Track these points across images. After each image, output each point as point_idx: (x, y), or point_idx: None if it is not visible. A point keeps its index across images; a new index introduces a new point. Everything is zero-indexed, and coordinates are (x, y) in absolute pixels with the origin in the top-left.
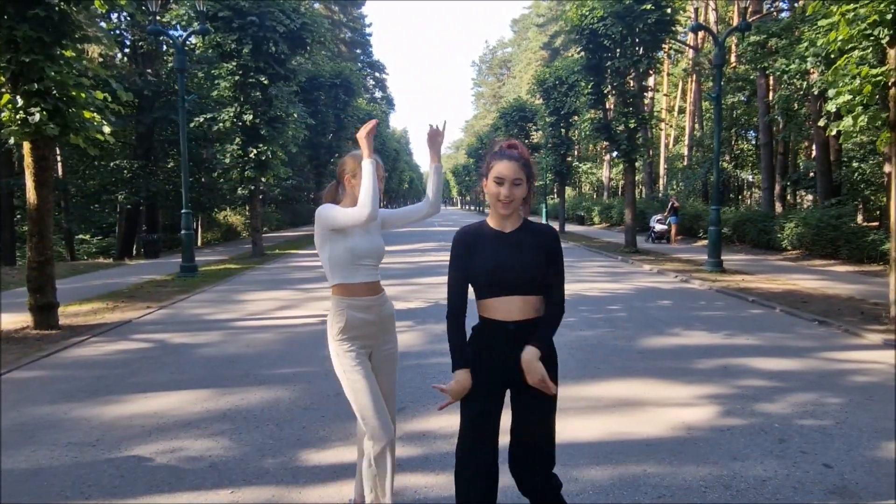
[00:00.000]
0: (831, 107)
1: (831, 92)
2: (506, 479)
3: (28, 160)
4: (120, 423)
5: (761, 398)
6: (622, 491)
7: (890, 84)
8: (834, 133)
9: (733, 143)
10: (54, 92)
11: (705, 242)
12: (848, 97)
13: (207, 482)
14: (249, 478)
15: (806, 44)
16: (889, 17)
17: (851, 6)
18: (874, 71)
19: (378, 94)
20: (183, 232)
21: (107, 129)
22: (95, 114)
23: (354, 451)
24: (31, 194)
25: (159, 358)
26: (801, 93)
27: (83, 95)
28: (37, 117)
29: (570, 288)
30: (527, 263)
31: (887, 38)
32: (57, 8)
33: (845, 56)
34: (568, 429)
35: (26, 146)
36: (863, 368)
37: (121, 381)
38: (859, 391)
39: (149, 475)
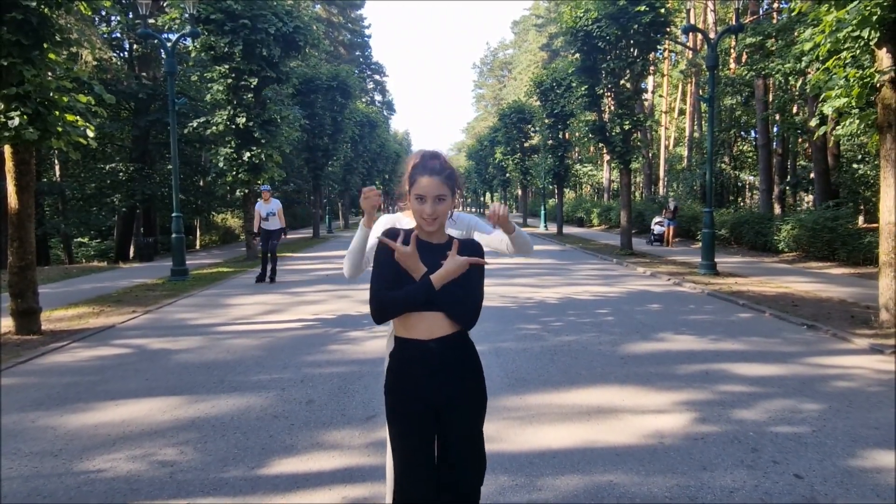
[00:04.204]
0: (827, 109)
1: (830, 94)
2: (503, 480)
3: (9, 165)
4: (85, 432)
5: (739, 405)
6: (585, 502)
7: (878, 85)
8: (821, 133)
9: (733, 144)
10: (34, 96)
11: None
12: (843, 100)
13: (164, 493)
14: (207, 488)
15: (801, 45)
16: (875, 18)
17: (837, 13)
18: (860, 73)
19: (378, 98)
20: (174, 235)
21: (90, 133)
22: (78, 117)
23: (320, 458)
24: (12, 199)
25: (135, 364)
26: (798, 94)
27: (65, 99)
28: (16, 121)
29: (560, 291)
30: (457, 279)
31: (875, 40)
32: (36, 11)
33: (834, 58)
34: (539, 437)
35: (7, 150)
36: (846, 374)
37: (92, 388)
38: (840, 397)
39: (105, 486)
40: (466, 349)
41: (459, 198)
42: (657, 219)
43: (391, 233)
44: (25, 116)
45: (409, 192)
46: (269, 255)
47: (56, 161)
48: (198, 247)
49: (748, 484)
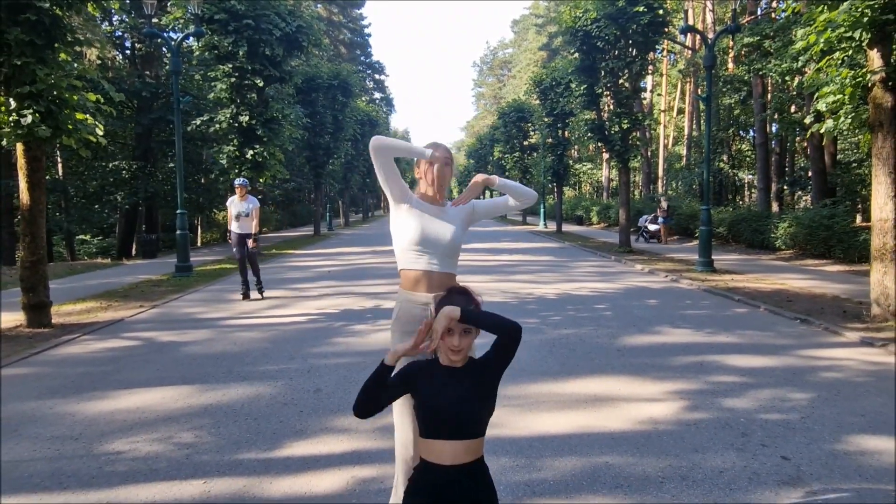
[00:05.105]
0: (821, 106)
1: (821, 91)
2: (504, 461)
3: (21, 162)
4: (102, 418)
5: (731, 394)
6: (581, 481)
7: (870, 85)
8: (820, 131)
9: (731, 143)
10: (46, 94)
11: None
12: (836, 98)
13: (182, 473)
14: (223, 469)
15: (798, 44)
16: (866, 20)
17: (829, 14)
18: (853, 73)
19: (377, 96)
20: (178, 232)
21: (99, 131)
22: (88, 116)
23: (329, 442)
24: (24, 195)
25: (146, 356)
26: (795, 93)
27: (75, 98)
28: (29, 119)
29: (559, 287)
30: (472, 401)
31: (867, 40)
32: (48, 12)
33: (826, 58)
34: (538, 423)
35: (19, 148)
36: (836, 365)
37: (106, 377)
38: (828, 387)
39: (126, 466)
40: (484, 477)
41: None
42: (647, 217)
43: (409, 371)
44: (38, 114)
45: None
46: (246, 263)
47: (59, 159)
48: (199, 244)
49: (737, 465)
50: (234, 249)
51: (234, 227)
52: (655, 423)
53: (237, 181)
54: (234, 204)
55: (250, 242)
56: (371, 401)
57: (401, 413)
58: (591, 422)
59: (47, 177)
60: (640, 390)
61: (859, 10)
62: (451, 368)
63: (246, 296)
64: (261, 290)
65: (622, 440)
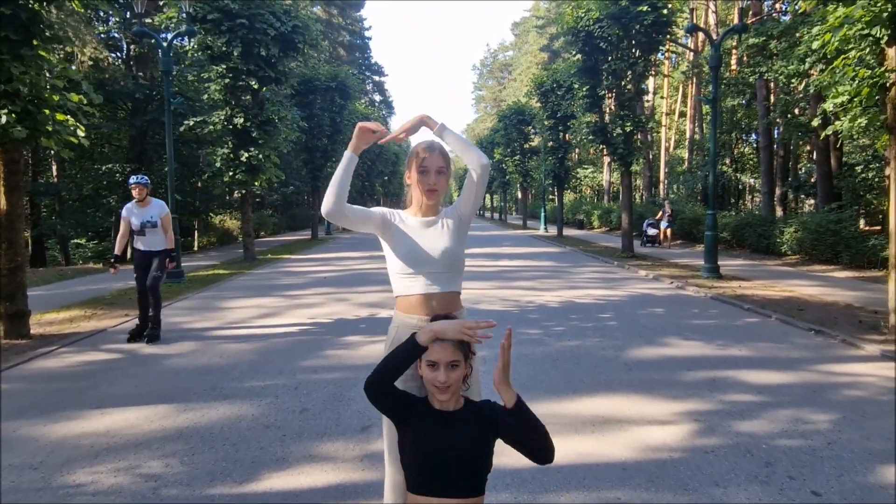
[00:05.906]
0: (829, 106)
1: (834, 92)
2: (504, 497)
3: None
4: (68, 442)
5: (749, 415)
6: None
7: (888, 85)
8: (829, 133)
9: (734, 146)
10: (23, 93)
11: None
12: (845, 98)
13: None
14: None
15: (804, 46)
16: (885, 15)
17: (845, 10)
18: (870, 72)
19: (377, 98)
20: None
21: (81, 133)
22: (69, 116)
23: (312, 473)
24: (0, 200)
25: (125, 370)
26: (801, 95)
27: (55, 98)
28: (3, 119)
29: (561, 295)
30: (468, 451)
31: (886, 38)
32: (26, 6)
33: (842, 57)
34: None
35: None
36: (858, 382)
37: (79, 395)
38: (852, 407)
39: (85, 501)
40: None
41: (471, 364)
42: (649, 220)
43: (408, 400)
44: (13, 114)
45: (420, 360)
46: (146, 294)
47: (53, 162)
48: (195, 248)
49: (764, 501)
50: (136, 275)
51: (137, 242)
52: (670, 450)
53: (133, 179)
54: (133, 212)
55: (166, 262)
56: (387, 381)
57: (392, 452)
58: (599, 449)
59: (41, 180)
60: (651, 410)
61: (878, 5)
62: (443, 413)
63: (135, 336)
64: (154, 335)
65: (634, 471)
